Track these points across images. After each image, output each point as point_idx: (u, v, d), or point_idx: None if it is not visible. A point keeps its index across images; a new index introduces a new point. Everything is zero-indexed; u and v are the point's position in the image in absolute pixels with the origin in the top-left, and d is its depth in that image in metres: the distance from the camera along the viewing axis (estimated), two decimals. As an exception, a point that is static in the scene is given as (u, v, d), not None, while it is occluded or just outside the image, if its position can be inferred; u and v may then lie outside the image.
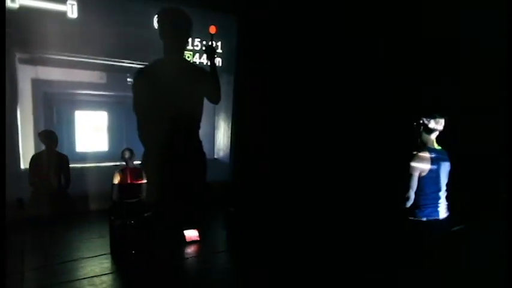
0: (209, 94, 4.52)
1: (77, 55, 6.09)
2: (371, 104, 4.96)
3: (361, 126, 5.04)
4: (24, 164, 5.81)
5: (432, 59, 4.47)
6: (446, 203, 3.39)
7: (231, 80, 6.78)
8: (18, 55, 5.96)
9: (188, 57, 6.46)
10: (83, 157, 7.08)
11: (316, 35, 5.46)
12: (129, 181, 4.28)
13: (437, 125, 3.30)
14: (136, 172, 4.34)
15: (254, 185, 5.68)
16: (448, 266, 3.21)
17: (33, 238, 4.69)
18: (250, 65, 5.99)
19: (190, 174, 4.37)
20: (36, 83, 6.71)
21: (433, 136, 3.35)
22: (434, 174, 3.29)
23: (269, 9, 5.68)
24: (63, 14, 5.68)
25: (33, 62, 6.30)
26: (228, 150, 7.26)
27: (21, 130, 5.94)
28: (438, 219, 3.34)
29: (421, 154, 3.29)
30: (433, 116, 3.30)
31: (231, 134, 6.90)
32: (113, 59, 6.43)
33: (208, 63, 4.48)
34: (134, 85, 4.43)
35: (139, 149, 4.74)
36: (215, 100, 4.58)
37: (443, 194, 3.37)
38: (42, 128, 6.05)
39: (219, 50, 6.83)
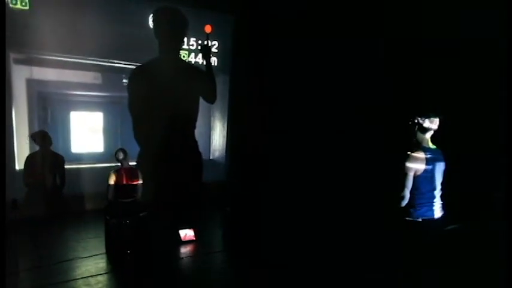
0: (205, 93, 4.52)
1: (72, 55, 6.07)
2: (366, 104, 4.98)
3: (356, 125, 5.06)
4: (19, 165, 5.78)
5: (429, 59, 4.49)
6: (441, 202, 3.41)
7: (227, 80, 6.78)
8: (12, 55, 5.93)
9: (184, 56, 6.45)
10: (79, 158, 7.05)
11: (312, 35, 5.47)
12: (124, 181, 4.26)
13: (432, 124, 3.31)
14: (132, 172, 4.33)
15: (250, 185, 5.68)
16: (445, 266, 3.23)
17: (28, 238, 4.66)
18: (246, 64, 5.99)
19: (186, 174, 4.37)
20: (31, 83, 6.67)
21: (428, 135, 3.36)
22: (429, 174, 3.30)
23: (265, 8, 5.68)
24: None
25: (27, 62, 6.27)
26: (224, 151, 7.25)
27: (16, 131, 5.90)
28: (433, 219, 3.34)
29: (416, 153, 3.30)
30: (428, 116, 3.31)
31: (227, 134, 6.89)
32: (108, 60, 6.41)
33: (204, 63, 4.49)
34: (129, 85, 4.43)
35: (135, 150, 4.74)
36: (211, 100, 4.59)
37: (438, 193, 3.38)
38: (37, 129, 6.02)
39: (215, 50, 6.79)
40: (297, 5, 5.43)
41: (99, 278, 3.68)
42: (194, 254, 4.40)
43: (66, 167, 5.75)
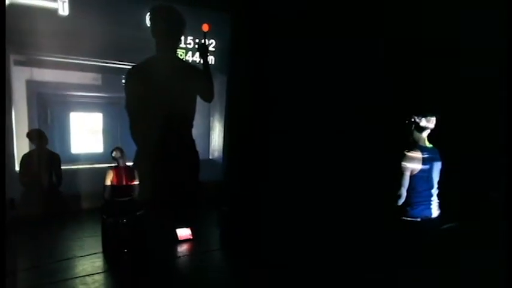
0: (202, 92, 4.53)
1: (72, 57, 6.08)
2: (363, 103, 4.97)
3: (353, 125, 5.05)
4: (18, 165, 5.79)
5: (425, 58, 4.49)
6: (438, 201, 3.40)
7: (225, 80, 6.78)
8: (12, 57, 5.95)
9: (181, 55, 6.46)
10: (78, 158, 7.07)
11: (310, 34, 5.47)
12: (121, 180, 4.26)
13: (429, 123, 3.31)
14: (129, 171, 4.33)
15: (247, 185, 5.67)
16: (442, 265, 3.21)
17: (24, 238, 4.66)
18: (244, 63, 5.98)
19: (182, 173, 4.37)
20: (31, 85, 6.71)
21: (425, 134, 3.35)
22: (425, 173, 3.29)
23: (263, 7, 5.67)
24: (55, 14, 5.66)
25: (27, 63, 6.30)
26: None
27: (16, 132, 5.92)
28: (430, 217, 3.33)
29: (413, 152, 3.29)
30: (425, 115, 3.31)
31: (224, 133, 6.89)
32: (107, 61, 6.42)
33: (201, 62, 4.49)
34: (126, 84, 4.44)
35: (134, 150, 4.75)
36: (208, 98, 4.59)
37: (435, 191, 3.37)
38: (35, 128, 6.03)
39: (212, 48, 6.80)
40: (296, 4, 5.44)
41: (96, 277, 3.68)
42: (191, 253, 4.39)
43: (66, 167, 5.76)
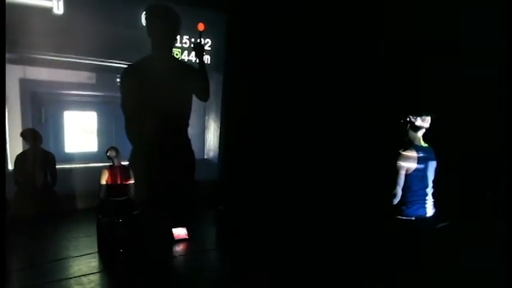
0: (198, 92, 4.52)
1: (66, 55, 6.04)
2: (358, 103, 4.99)
3: (349, 124, 5.07)
4: (12, 165, 5.75)
5: (421, 58, 4.51)
6: (433, 200, 3.42)
7: (221, 80, 6.78)
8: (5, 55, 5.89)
9: (177, 54, 6.43)
10: (73, 158, 7.03)
11: (307, 34, 5.47)
12: (116, 179, 4.24)
13: (424, 122, 3.33)
14: (124, 170, 4.31)
15: (243, 184, 5.67)
16: (437, 264, 3.24)
17: (19, 238, 4.63)
18: (240, 63, 5.98)
19: (178, 172, 4.36)
20: (24, 83, 6.65)
21: (420, 134, 3.37)
22: (421, 172, 3.31)
23: (260, 6, 5.67)
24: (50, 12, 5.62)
25: (20, 61, 6.25)
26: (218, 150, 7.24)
27: (9, 131, 5.87)
28: (425, 217, 3.36)
29: (408, 152, 3.31)
30: (420, 114, 3.32)
31: (220, 133, 6.88)
32: (102, 59, 6.39)
33: (197, 61, 4.48)
34: (121, 83, 4.41)
35: (129, 149, 4.72)
36: (204, 98, 4.58)
37: (430, 190, 3.39)
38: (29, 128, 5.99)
39: (208, 48, 6.78)
40: (293, 3, 5.44)
41: (91, 277, 3.65)
42: (187, 253, 4.39)
43: (60, 166, 5.72)
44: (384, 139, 3.89)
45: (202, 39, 4.41)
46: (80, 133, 7.44)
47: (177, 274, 3.98)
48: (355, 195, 4.70)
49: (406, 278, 3.17)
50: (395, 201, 3.36)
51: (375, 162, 4.03)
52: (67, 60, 6.17)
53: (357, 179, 4.75)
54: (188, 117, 4.54)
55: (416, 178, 3.32)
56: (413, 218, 3.33)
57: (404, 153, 3.31)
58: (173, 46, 4.64)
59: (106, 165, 4.37)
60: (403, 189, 3.33)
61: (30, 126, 6.30)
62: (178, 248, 4.46)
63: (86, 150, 7.41)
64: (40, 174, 5.28)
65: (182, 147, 4.47)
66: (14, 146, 5.92)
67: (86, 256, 4.11)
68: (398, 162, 3.30)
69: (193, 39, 6.50)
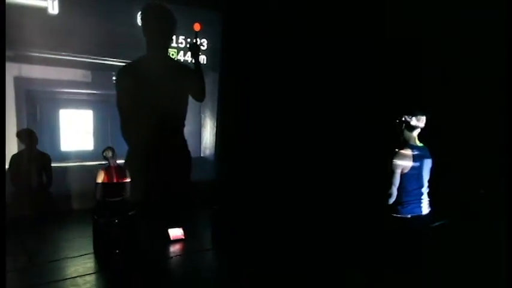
0: (194, 92, 4.51)
1: (61, 53, 6.00)
2: (354, 103, 4.98)
3: (344, 124, 5.06)
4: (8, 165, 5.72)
5: (416, 58, 4.50)
6: (429, 199, 3.42)
7: (217, 78, 6.76)
8: (-1, 52, 5.84)
9: (173, 54, 6.41)
10: (68, 156, 7.00)
11: (303, 33, 5.46)
12: (112, 180, 4.23)
13: (419, 122, 3.32)
14: (120, 171, 4.30)
15: (239, 183, 5.66)
16: (431, 262, 3.25)
17: (15, 239, 4.61)
18: (236, 62, 5.96)
19: (174, 172, 4.36)
20: (19, 82, 6.61)
21: (415, 133, 3.36)
22: (416, 171, 3.31)
23: (255, 6, 5.65)
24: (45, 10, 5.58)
25: (15, 59, 6.20)
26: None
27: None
28: (421, 216, 3.36)
29: (403, 151, 3.31)
30: (415, 114, 3.32)
31: (216, 132, 6.87)
32: (97, 57, 6.36)
33: (193, 61, 4.47)
34: (117, 83, 4.41)
35: (124, 148, 4.71)
36: (200, 98, 4.58)
37: (425, 190, 3.39)
38: (25, 127, 5.96)
39: (203, 47, 6.73)
40: (289, 3, 5.42)
41: (87, 278, 3.65)
42: (183, 253, 4.39)
43: (55, 165, 5.70)
44: (379, 139, 3.89)
45: (198, 39, 4.40)
46: (76, 131, 7.41)
47: (173, 274, 3.99)
48: (351, 194, 4.70)
49: (402, 276, 3.18)
50: (391, 201, 3.35)
51: (370, 162, 4.03)
52: (62, 58, 6.15)
53: (353, 178, 4.76)
54: (184, 117, 4.54)
55: (411, 178, 3.31)
56: (409, 216, 3.32)
57: (399, 152, 3.30)
58: (169, 46, 4.64)
59: (102, 166, 4.35)
60: (398, 189, 3.32)
61: (25, 124, 6.28)
62: (175, 248, 4.46)
63: (81, 148, 7.38)
64: (35, 175, 5.27)
65: (178, 147, 4.48)
66: (9, 146, 5.88)
67: (81, 257, 4.11)
68: (393, 161, 3.29)
69: (189, 39, 6.47)
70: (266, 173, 5.59)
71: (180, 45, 6.54)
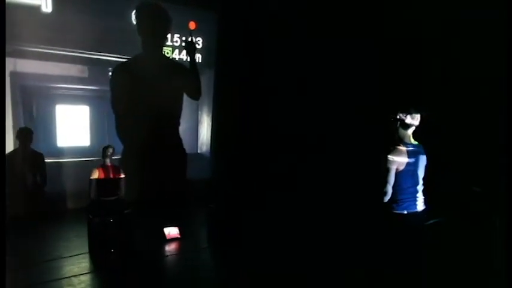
0: (189, 90, 4.48)
1: (57, 48, 5.96)
2: (348, 101, 4.95)
3: (339, 123, 5.04)
4: (0, 163, 5.69)
5: (410, 57, 4.46)
6: (423, 197, 3.41)
7: (212, 75, 6.71)
8: (-6, 47, 5.80)
9: (167, 53, 6.36)
10: (64, 152, 6.98)
11: (298, 32, 5.42)
12: (107, 179, 4.22)
13: (414, 120, 3.30)
14: (115, 169, 4.28)
15: (236, 181, 5.65)
16: (425, 260, 3.25)
17: (8, 239, 4.60)
18: (231, 60, 5.92)
19: (170, 171, 4.35)
20: (15, 77, 6.57)
21: (410, 131, 3.34)
22: (411, 169, 3.29)
23: (250, 4, 5.59)
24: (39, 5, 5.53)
25: (11, 54, 6.16)
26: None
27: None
28: (416, 213, 3.35)
29: (398, 149, 3.29)
30: (409, 112, 3.29)
31: (212, 130, 6.84)
32: (93, 52, 6.30)
33: (188, 59, 4.43)
34: (112, 82, 4.38)
35: (120, 146, 4.69)
36: (195, 97, 4.55)
37: (420, 188, 3.38)
38: (22, 124, 5.93)
39: (199, 46, 6.68)
40: (283, 2, 5.37)
41: (82, 277, 3.66)
42: (179, 252, 4.39)
43: (52, 161, 5.66)
44: (374, 137, 3.87)
45: (193, 38, 4.35)
46: (72, 127, 7.38)
47: (169, 273, 3.99)
48: (347, 193, 4.69)
49: (397, 274, 3.18)
50: (386, 199, 3.34)
51: (365, 160, 4.01)
52: (58, 54, 6.10)
53: (348, 176, 4.74)
54: (179, 116, 4.52)
55: (406, 176, 3.30)
56: (406, 213, 3.31)
57: (394, 151, 3.28)
58: (164, 45, 4.60)
59: (97, 164, 4.34)
60: (393, 187, 3.31)
61: (21, 120, 6.24)
62: (170, 247, 4.46)
63: (78, 144, 7.36)
64: (29, 175, 5.23)
65: (173, 146, 4.46)
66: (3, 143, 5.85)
67: (77, 256, 4.11)
68: (388, 160, 3.27)
69: (183, 38, 6.43)
70: (262, 171, 5.57)
71: (175, 43, 6.49)
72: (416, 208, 3.36)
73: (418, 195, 3.37)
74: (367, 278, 3.47)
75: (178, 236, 4.66)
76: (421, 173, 3.38)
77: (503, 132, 3.32)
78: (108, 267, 4.01)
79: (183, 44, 5.55)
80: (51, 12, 5.55)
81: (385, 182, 3.30)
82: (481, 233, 3.53)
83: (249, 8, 5.64)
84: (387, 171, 3.29)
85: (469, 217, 3.71)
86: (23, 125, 5.96)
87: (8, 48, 5.91)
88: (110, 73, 4.69)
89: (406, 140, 3.35)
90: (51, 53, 6.06)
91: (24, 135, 5.33)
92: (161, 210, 4.51)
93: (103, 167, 4.29)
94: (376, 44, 4.68)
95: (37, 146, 5.60)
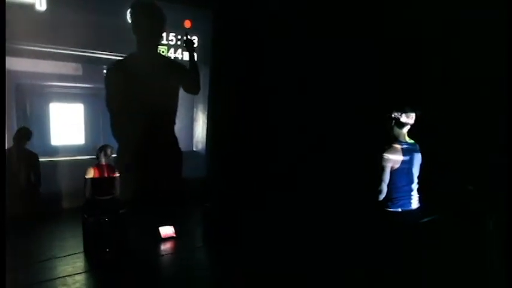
0: (188, 86, 4.47)
1: (52, 46, 5.91)
2: (344, 100, 4.95)
3: (335, 121, 5.04)
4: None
5: (405, 56, 4.46)
6: (418, 196, 3.42)
7: (207, 73, 6.70)
8: (-13, 46, 5.75)
9: (163, 52, 6.33)
10: (59, 150, 6.94)
11: (293, 30, 5.41)
12: (102, 178, 4.19)
13: (409, 119, 3.31)
14: (110, 168, 4.26)
15: (231, 180, 5.64)
16: (421, 257, 3.26)
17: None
18: (227, 58, 5.91)
19: (166, 171, 4.34)
20: (8, 75, 6.50)
21: (405, 130, 3.35)
22: (406, 168, 3.30)
23: (245, 2, 5.58)
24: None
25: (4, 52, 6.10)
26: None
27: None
28: (411, 211, 3.36)
29: (393, 148, 3.29)
30: (405, 110, 3.30)
31: (207, 130, 6.83)
32: (88, 50, 6.26)
33: (188, 56, 4.42)
34: (106, 81, 4.36)
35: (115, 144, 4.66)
36: (195, 90, 4.54)
37: (415, 186, 3.39)
38: (15, 122, 5.87)
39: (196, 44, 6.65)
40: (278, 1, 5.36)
41: (77, 277, 3.64)
42: (174, 251, 4.38)
43: (46, 159, 5.62)
44: (369, 136, 3.88)
45: (189, 36, 4.34)
46: (66, 125, 7.33)
47: (165, 273, 3.98)
48: (342, 191, 4.70)
49: (392, 272, 3.19)
50: (381, 197, 3.35)
51: (360, 158, 4.01)
52: (53, 51, 6.04)
53: (343, 175, 4.75)
54: (175, 115, 4.51)
55: (401, 174, 3.31)
56: (400, 210, 3.32)
57: (389, 149, 3.29)
58: (159, 43, 4.58)
59: (92, 163, 4.32)
60: (388, 185, 3.31)
61: (14, 118, 6.19)
62: (165, 247, 4.45)
63: (72, 143, 7.32)
64: (24, 175, 5.20)
65: (169, 145, 4.45)
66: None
67: (71, 256, 4.09)
68: (383, 158, 3.28)
69: (179, 37, 6.39)
70: (257, 169, 5.57)
71: (170, 42, 6.46)
72: (411, 206, 3.37)
73: (412, 193, 3.39)
74: (362, 276, 3.48)
75: (174, 235, 4.65)
76: (416, 171, 3.39)
77: (503, 132, 3.33)
78: (103, 266, 3.99)
79: (181, 42, 5.52)
80: (45, 10, 5.50)
81: (380, 180, 3.31)
82: (475, 232, 3.54)
83: (244, 6, 5.62)
84: (382, 169, 3.30)
85: (464, 215, 3.72)
86: (15, 124, 5.91)
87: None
88: (105, 72, 4.64)
89: (401, 139, 3.36)
90: (45, 51, 5.99)
91: (21, 134, 5.30)
92: (156, 209, 4.49)
93: (98, 166, 4.26)
94: (370, 42, 4.68)
95: (31, 144, 5.54)
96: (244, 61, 5.74)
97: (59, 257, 4.06)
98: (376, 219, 3.45)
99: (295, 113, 5.41)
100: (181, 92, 4.69)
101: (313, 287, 3.63)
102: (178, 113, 4.85)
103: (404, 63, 4.38)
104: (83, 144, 7.31)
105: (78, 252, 4.16)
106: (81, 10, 5.61)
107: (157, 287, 3.64)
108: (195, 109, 7.61)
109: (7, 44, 5.58)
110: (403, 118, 3.31)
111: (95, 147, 6.51)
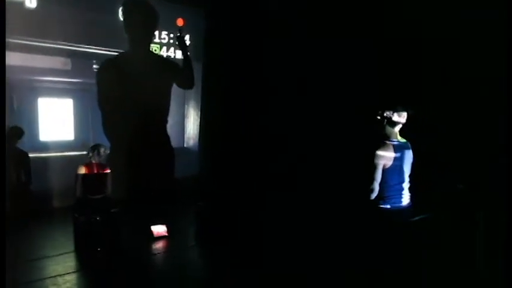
0: (181, 82, 4.44)
1: (40, 40, 5.83)
2: (336, 99, 4.94)
3: (327, 120, 5.04)
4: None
5: (399, 54, 4.47)
6: (409, 194, 3.45)
7: (200, 69, 6.67)
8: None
9: (155, 50, 6.26)
10: (48, 146, 6.85)
11: (287, 27, 5.38)
12: (93, 177, 4.16)
13: (400, 118, 3.32)
14: (101, 167, 4.23)
15: (224, 178, 5.62)
16: (414, 256, 3.29)
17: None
18: (219, 55, 5.87)
19: (157, 169, 4.31)
20: (-5, 69, 6.39)
21: (397, 129, 3.37)
22: (397, 166, 3.32)
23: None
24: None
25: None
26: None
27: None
28: (402, 209, 3.39)
29: (385, 146, 3.31)
30: (396, 109, 3.31)
31: (200, 127, 6.79)
32: (77, 45, 6.18)
33: (181, 52, 4.38)
34: (98, 80, 4.29)
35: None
36: (189, 85, 4.52)
37: (406, 185, 3.42)
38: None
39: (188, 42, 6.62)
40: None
41: (67, 277, 3.61)
42: (167, 250, 4.37)
43: (35, 155, 5.55)
44: (361, 134, 3.88)
45: (182, 33, 4.29)
46: (55, 121, 7.24)
47: (157, 272, 3.97)
48: (334, 190, 4.71)
49: (385, 270, 3.21)
50: (373, 196, 3.36)
51: (352, 157, 4.03)
52: (41, 45, 5.96)
53: (336, 174, 4.75)
54: (167, 114, 4.47)
55: (393, 173, 3.33)
56: (391, 208, 3.34)
57: (381, 148, 3.30)
58: (151, 42, 4.53)
59: (82, 160, 4.28)
60: (380, 184, 3.33)
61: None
62: (158, 246, 4.43)
63: (61, 138, 7.23)
64: (14, 174, 5.13)
65: (161, 143, 4.42)
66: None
67: (62, 255, 4.05)
68: (375, 156, 3.30)
69: (172, 35, 6.36)
70: (251, 168, 5.55)
71: (162, 40, 6.40)
72: (402, 204, 3.40)
73: (404, 192, 3.42)
74: (353, 274, 3.50)
75: (166, 234, 4.63)
76: (407, 170, 3.42)
77: (503, 132, 3.36)
78: (94, 266, 3.96)
79: (176, 39, 5.48)
80: (35, 5, 5.41)
81: (372, 179, 3.32)
82: (466, 230, 3.58)
83: (236, 4, 5.58)
84: (374, 168, 3.32)
85: (454, 214, 3.75)
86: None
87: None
88: (96, 69, 4.59)
89: (393, 138, 3.38)
90: (33, 45, 5.91)
91: (12, 133, 5.22)
92: (148, 208, 4.47)
93: (89, 164, 4.22)
94: (362, 40, 4.68)
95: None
96: (236, 58, 5.70)
97: (50, 256, 4.03)
98: (367, 218, 3.46)
99: (288, 110, 5.40)
100: (173, 88, 4.67)
101: (305, 285, 3.65)
102: (169, 111, 4.82)
103: (396, 62, 4.39)
104: (72, 140, 7.25)
105: (69, 252, 4.12)
106: (70, 4, 5.53)
107: (150, 286, 3.62)
108: (186, 105, 7.59)
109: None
110: (395, 117, 3.33)
111: (84, 143, 6.49)
